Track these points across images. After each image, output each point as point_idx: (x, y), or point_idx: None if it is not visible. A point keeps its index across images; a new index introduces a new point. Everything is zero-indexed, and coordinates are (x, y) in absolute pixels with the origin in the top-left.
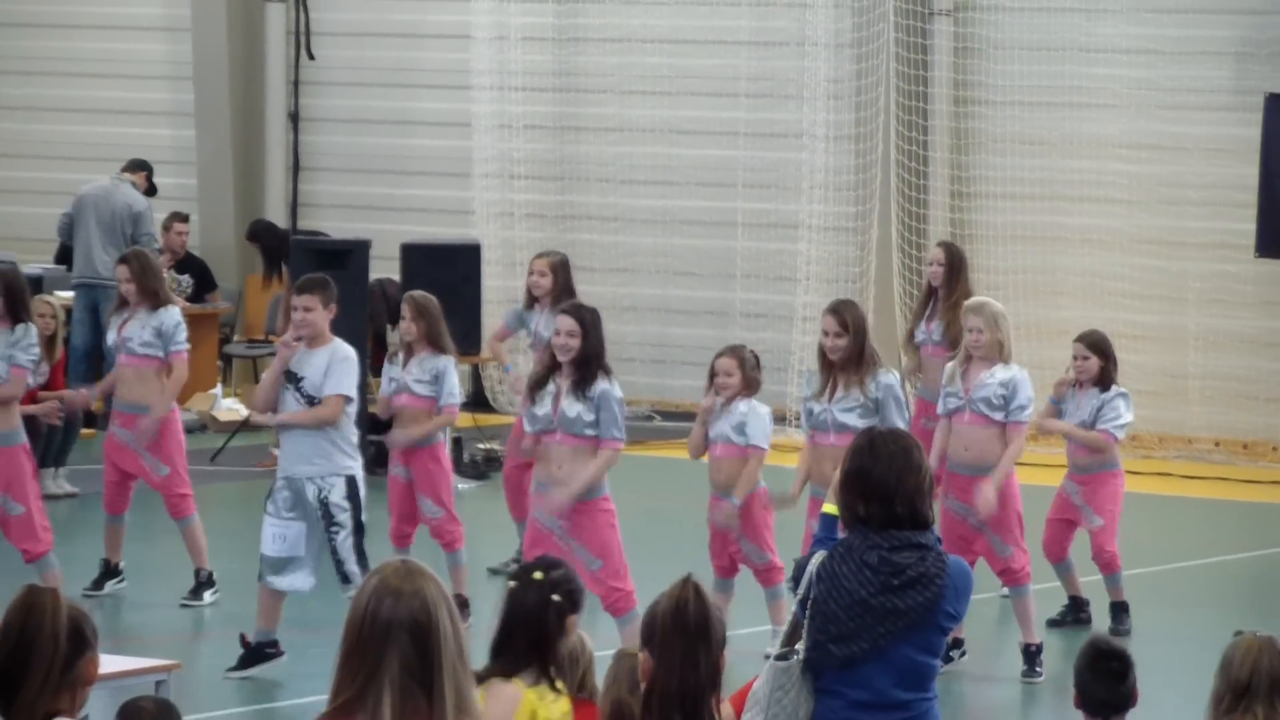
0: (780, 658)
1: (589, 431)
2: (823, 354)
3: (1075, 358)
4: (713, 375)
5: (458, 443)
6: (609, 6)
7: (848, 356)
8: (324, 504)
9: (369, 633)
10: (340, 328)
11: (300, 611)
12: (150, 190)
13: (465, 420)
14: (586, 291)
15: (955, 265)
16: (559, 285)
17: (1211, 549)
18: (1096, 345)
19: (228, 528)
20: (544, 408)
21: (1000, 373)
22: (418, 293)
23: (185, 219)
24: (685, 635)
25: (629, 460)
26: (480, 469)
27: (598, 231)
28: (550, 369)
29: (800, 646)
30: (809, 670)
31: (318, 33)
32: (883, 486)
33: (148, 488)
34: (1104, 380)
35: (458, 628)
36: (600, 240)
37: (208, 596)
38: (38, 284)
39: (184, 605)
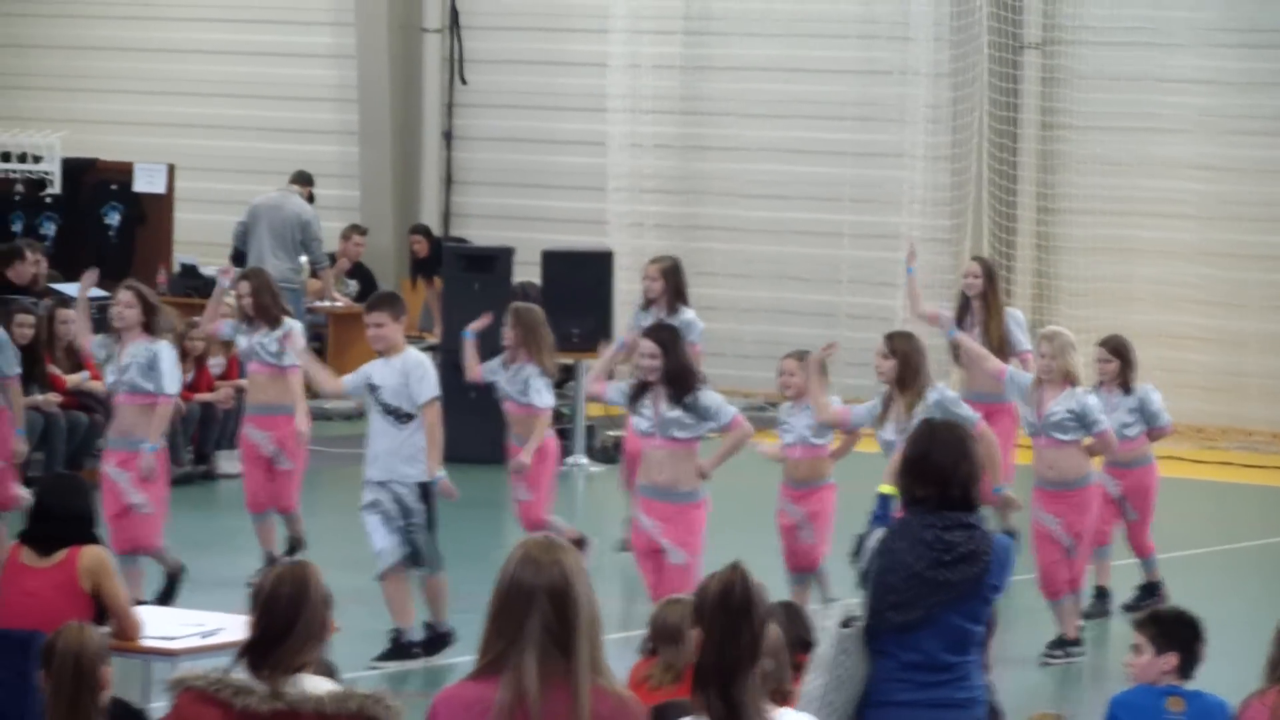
0: (844, 624)
1: (685, 434)
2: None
3: (1097, 360)
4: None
5: (590, 430)
6: (730, 38)
7: (895, 379)
8: (399, 503)
9: (514, 598)
10: (486, 326)
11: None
12: (309, 200)
13: (597, 409)
14: (709, 294)
15: (991, 277)
16: (670, 288)
17: (1268, 531)
18: (1118, 349)
19: None
20: (646, 418)
21: (1065, 400)
22: (521, 304)
23: (364, 232)
24: (729, 614)
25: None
26: (610, 454)
27: (719, 240)
28: (646, 384)
29: (861, 614)
30: (867, 635)
31: (470, 60)
32: (939, 472)
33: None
34: (1124, 381)
35: (592, 596)
36: (721, 248)
37: None
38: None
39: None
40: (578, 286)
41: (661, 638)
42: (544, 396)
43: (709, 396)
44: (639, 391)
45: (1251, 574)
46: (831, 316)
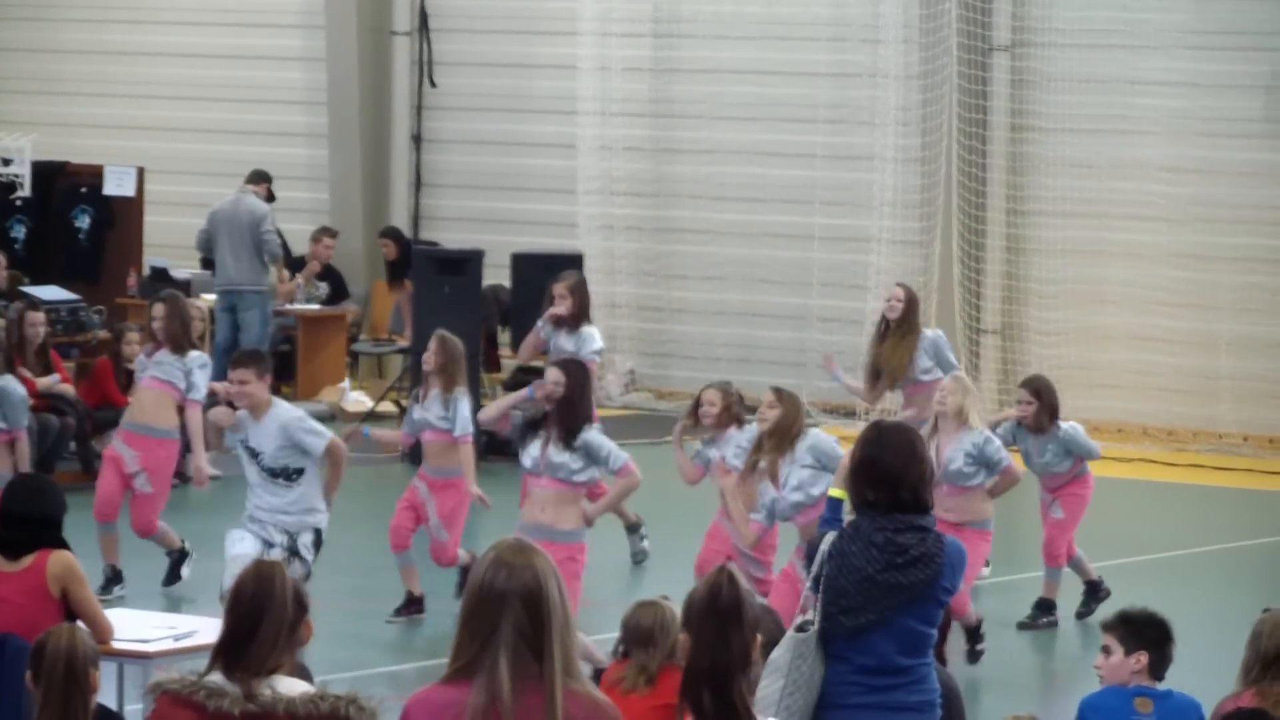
0: (799, 629)
1: (576, 478)
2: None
3: (1018, 401)
4: (697, 405)
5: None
6: (701, 41)
7: (774, 429)
8: (291, 548)
9: (485, 601)
10: (455, 328)
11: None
12: (269, 198)
13: None
14: (680, 297)
15: (912, 305)
16: (578, 304)
17: (1240, 534)
18: (1039, 391)
19: (362, 510)
20: (532, 453)
21: (961, 443)
22: (447, 332)
23: (334, 235)
24: (717, 618)
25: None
26: None
27: (689, 243)
28: (544, 414)
29: (815, 618)
30: (821, 639)
31: (439, 63)
32: (890, 475)
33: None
34: (1042, 424)
35: (565, 599)
36: (692, 251)
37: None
38: (186, 287)
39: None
40: (548, 289)
41: (634, 640)
42: (470, 424)
43: (597, 439)
44: (530, 428)
45: (1223, 577)
46: (803, 319)
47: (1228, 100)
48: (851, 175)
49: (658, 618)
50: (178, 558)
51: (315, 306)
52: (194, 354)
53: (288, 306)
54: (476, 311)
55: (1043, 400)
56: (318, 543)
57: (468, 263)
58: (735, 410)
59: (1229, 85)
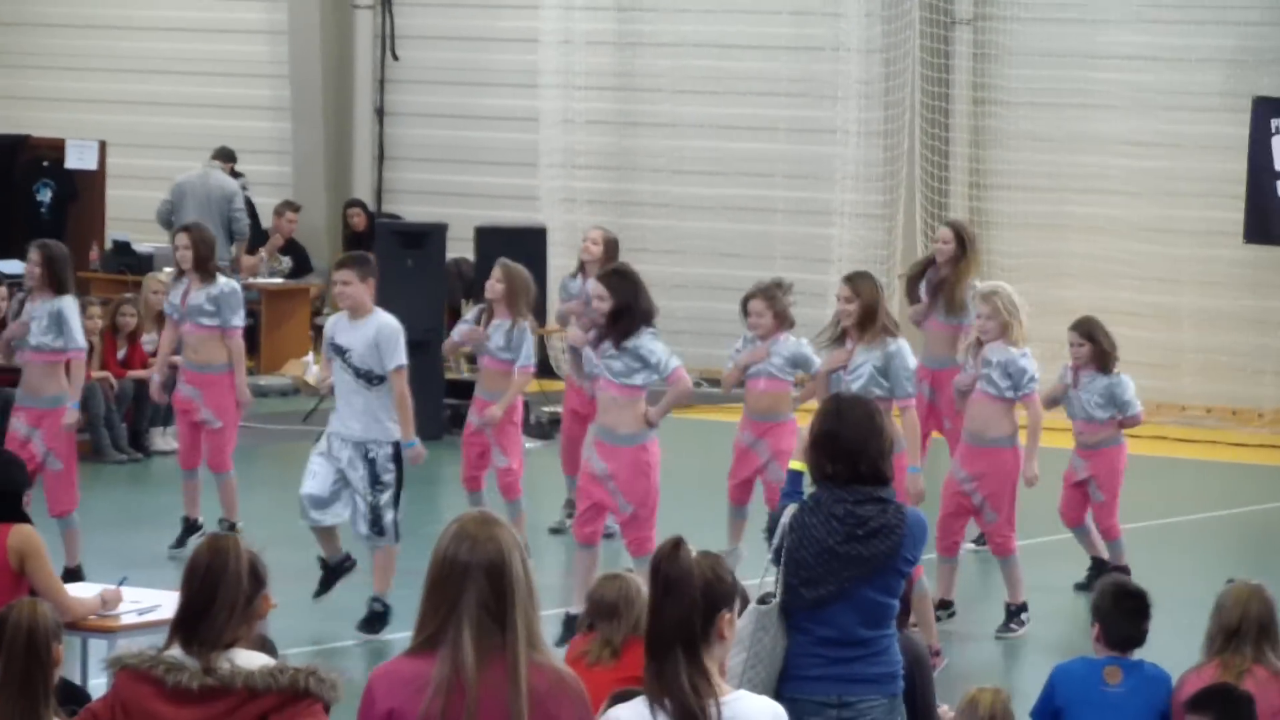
0: (761, 601)
1: (627, 381)
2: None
3: (1070, 345)
4: (746, 315)
5: (525, 406)
6: (664, 14)
7: (858, 322)
8: (370, 462)
9: (449, 574)
10: (419, 302)
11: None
12: (232, 175)
13: (531, 386)
14: (642, 270)
15: (963, 243)
16: (607, 257)
17: (1203, 505)
18: (1089, 333)
19: None
20: (594, 358)
21: (998, 354)
22: (509, 261)
23: (297, 209)
24: (658, 589)
25: (675, 423)
26: (545, 430)
27: (651, 217)
28: (602, 330)
29: (776, 591)
30: (783, 611)
31: (402, 36)
32: (849, 447)
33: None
34: (1099, 364)
35: (529, 570)
36: (654, 225)
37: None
38: (149, 261)
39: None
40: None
41: (598, 614)
42: (532, 355)
43: (649, 344)
44: (599, 340)
45: (1188, 549)
46: None
47: (1189, 74)
48: (814, 149)
49: (622, 590)
50: (227, 528)
51: (278, 280)
52: (221, 280)
53: (251, 281)
54: (440, 285)
55: (1094, 340)
56: (397, 458)
57: (430, 236)
58: (784, 311)
59: (1190, 59)
